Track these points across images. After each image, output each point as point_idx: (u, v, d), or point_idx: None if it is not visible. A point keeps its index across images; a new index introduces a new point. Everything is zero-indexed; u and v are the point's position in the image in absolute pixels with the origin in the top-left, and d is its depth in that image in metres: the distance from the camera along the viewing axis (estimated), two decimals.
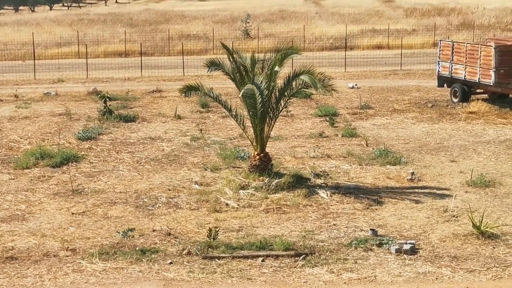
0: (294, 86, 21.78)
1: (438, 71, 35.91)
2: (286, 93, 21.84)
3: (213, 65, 21.97)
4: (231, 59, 21.70)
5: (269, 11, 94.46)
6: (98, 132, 28.43)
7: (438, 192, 20.76)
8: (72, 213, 19.35)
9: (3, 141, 27.57)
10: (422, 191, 20.88)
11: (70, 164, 23.96)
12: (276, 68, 21.31)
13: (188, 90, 22.08)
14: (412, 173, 22.16)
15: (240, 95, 21.14)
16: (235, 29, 70.62)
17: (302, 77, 21.06)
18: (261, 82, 21.13)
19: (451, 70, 34.71)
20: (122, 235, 17.45)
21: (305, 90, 22.22)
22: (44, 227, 18.33)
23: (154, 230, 17.96)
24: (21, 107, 34.53)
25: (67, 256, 16.48)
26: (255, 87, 20.72)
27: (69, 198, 20.61)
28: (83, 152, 25.59)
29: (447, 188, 21.11)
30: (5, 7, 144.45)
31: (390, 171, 22.99)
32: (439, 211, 19.07)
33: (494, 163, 23.88)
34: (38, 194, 21.02)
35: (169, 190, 21.24)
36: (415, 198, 20.21)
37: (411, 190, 20.97)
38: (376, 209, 19.36)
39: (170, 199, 20.37)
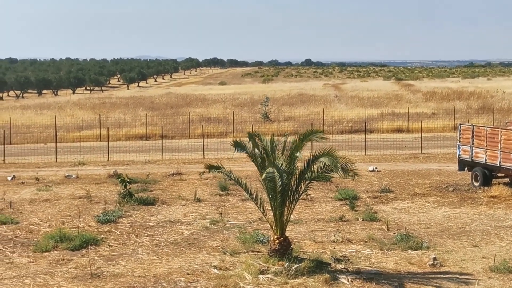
0: (314, 169, 21.79)
1: (459, 154, 35.85)
2: (306, 176, 21.83)
3: (238, 146, 22.19)
4: (253, 143, 21.84)
5: (289, 95, 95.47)
6: (118, 215, 28.43)
7: (460, 277, 20.41)
8: None
9: (23, 224, 27.57)
10: (444, 276, 20.55)
11: (89, 247, 23.88)
12: (297, 154, 21.34)
13: (211, 168, 22.34)
14: (434, 258, 21.86)
15: (261, 178, 21.14)
16: (255, 112, 71.29)
17: (322, 159, 21.06)
18: (282, 165, 21.16)
19: (472, 154, 34.65)
20: None
21: (326, 174, 22.20)
22: None
23: None
24: (42, 189, 34.68)
25: None
26: (276, 171, 20.73)
27: (88, 282, 20.45)
28: (102, 235, 25.53)
29: (469, 274, 20.76)
30: (29, 91, 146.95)
31: (412, 256, 22.70)
32: None
33: None
34: (57, 278, 20.87)
35: (188, 274, 21.04)
36: (437, 284, 19.87)
37: (433, 276, 20.64)
38: None
39: (189, 284, 20.16)
